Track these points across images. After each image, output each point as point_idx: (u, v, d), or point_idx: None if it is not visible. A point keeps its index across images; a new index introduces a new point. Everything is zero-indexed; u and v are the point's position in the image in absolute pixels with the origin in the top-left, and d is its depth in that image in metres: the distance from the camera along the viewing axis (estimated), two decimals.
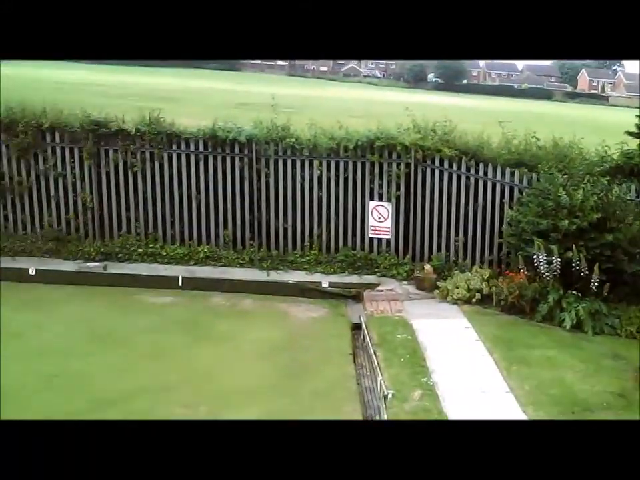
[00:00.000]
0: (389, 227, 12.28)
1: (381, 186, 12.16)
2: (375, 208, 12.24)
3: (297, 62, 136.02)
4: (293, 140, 12.10)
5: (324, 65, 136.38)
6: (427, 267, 11.84)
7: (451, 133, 12.24)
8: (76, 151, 12.23)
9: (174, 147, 12.20)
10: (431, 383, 8.31)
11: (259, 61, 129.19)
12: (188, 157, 12.21)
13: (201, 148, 12.17)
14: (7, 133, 12.17)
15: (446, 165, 11.81)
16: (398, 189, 12.13)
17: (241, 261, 12.29)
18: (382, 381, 8.32)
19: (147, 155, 12.21)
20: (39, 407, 7.76)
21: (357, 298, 11.64)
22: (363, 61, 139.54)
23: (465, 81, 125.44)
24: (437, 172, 11.92)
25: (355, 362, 9.48)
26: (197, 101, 38.04)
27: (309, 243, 12.40)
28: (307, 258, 12.31)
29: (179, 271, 11.96)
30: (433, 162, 11.91)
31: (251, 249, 12.38)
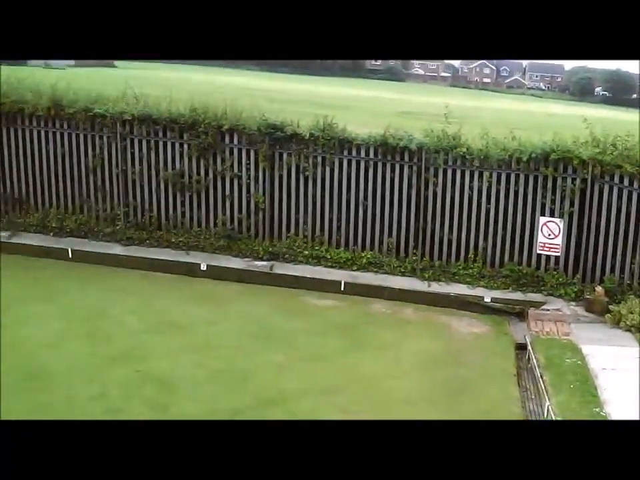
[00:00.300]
0: (559, 244, 11.77)
1: (553, 201, 11.66)
2: (545, 224, 11.76)
3: (460, 73, 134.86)
4: (464, 150, 11.87)
5: (487, 77, 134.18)
6: (599, 288, 11.24)
7: (633, 149, 11.51)
8: (252, 153, 12.68)
9: (345, 153, 12.34)
10: (604, 414, 7.85)
11: (422, 72, 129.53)
12: (358, 163, 12.31)
13: (371, 154, 12.22)
14: (190, 133, 12.81)
15: (626, 182, 11.13)
16: (572, 205, 11.58)
17: (403, 270, 12.23)
18: (550, 407, 7.96)
19: (319, 159, 12.44)
20: (205, 400, 8.08)
21: (521, 316, 11.25)
22: (528, 73, 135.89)
23: (634, 95, 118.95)
24: (615, 189, 11.26)
25: (518, 384, 9.15)
26: (364, 109, 38.43)
27: (472, 256, 12.11)
28: (470, 271, 12.04)
29: (342, 276, 12.09)
30: (612, 178, 11.28)
31: (414, 258, 12.29)
